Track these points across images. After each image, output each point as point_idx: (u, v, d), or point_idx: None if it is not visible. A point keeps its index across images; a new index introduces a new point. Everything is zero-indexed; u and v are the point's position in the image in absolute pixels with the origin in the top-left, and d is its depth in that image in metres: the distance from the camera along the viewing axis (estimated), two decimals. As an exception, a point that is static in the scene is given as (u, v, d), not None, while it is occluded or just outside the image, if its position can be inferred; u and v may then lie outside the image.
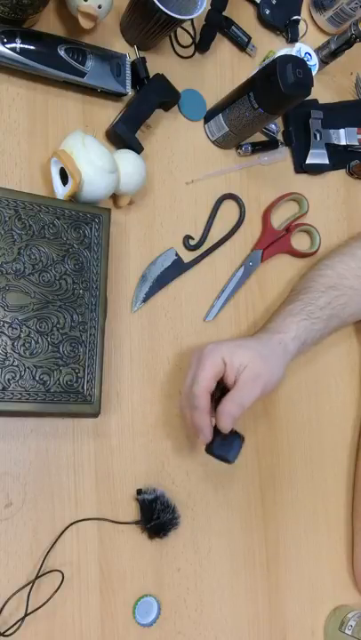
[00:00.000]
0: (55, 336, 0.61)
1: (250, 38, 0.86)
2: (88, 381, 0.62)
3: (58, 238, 0.63)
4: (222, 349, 0.65)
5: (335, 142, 0.90)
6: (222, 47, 0.85)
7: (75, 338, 0.62)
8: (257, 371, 0.64)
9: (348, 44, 0.84)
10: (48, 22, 0.71)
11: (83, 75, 0.69)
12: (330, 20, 0.92)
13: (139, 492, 0.67)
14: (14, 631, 0.58)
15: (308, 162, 0.87)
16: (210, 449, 0.65)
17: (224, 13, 0.81)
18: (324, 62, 0.89)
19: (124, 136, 0.71)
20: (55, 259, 0.63)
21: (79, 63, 0.69)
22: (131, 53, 0.75)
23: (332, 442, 0.83)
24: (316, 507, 0.80)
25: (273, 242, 0.82)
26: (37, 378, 0.60)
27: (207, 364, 0.64)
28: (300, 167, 0.87)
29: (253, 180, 0.84)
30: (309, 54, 0.87)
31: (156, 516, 0.66)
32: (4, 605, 0.59)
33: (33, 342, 0.60)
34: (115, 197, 0.72)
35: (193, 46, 0.82)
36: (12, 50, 0.65)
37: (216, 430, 0.65)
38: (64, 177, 0.66)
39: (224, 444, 0.65)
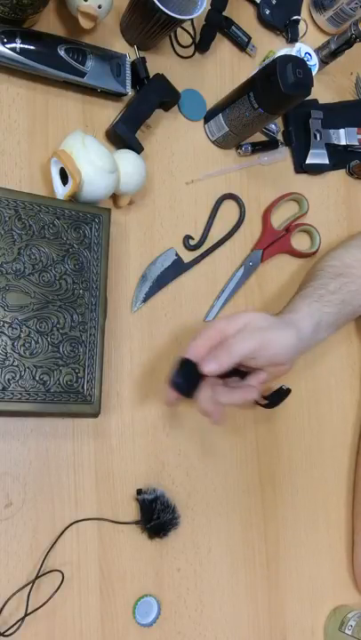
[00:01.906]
0: (55, 336, 0.61)
1: (250, 38, 0.86)
2: (88, 381, 0.62)
3: (58, 238, 0.63)
4: (224, 316, 0.64)
5: (335, 142, 0.90)
6: (222, 47, 0.85)
7: (75, 338, 0.62)
8: (258, 325, 0.63)
9: (348, 43, 0.84)
10: (48, 22, 0.71)
11: (83, 75, 0.69)
12: (330, 20, 0.92)
13: (139, 492, 0.67)
14: (14, 631, 0.58)
15: (308, 162, 0.87)
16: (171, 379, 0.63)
17: (224, 13, 0.81)
18: (324, 62, 0.89)
19: (124, 136, 0.71)
20: (55, 259, 0.63)
21: (79, 63, 0.69)
22: (131, 53, 0.75)
23: (332, 442, 0.83)
24: (316, 506, 0.80)
25: (273, 242, 0.82)
26: (37, 378, 0.60)
27: (200, 334, 0.64)
28: (300, 167, 0.87)
29: (253, 180, 0.84)
30: (309, 54, 0.87)
31: (156, 516, 0.66)
32: (4, 605, 0.59)
33: (33, 342, 0.60)
34: (115, 197, 0.72)
35: (193, 46, 0.82)
36: (12, 50, 0.65)
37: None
38: (64, 177, 0.66)
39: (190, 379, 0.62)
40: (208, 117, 0.80)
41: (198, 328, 0.75)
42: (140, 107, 0.72)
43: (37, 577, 0.61)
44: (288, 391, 0.73)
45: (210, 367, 0.60)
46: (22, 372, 0.59)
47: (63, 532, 0.63)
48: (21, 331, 0.60)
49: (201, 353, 0.62)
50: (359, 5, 0.88)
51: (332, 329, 0.73)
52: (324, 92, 0.92)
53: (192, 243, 0.77)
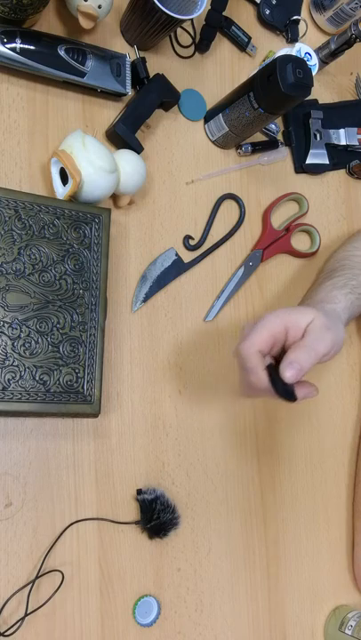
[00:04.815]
0: (55, 336, 0.61)
1: (250, 38, 0.86)
2: (88, 381, 0.62)
3: (58, 238, 0.63)
4: (282, 312, 0.60)
5: (335, 142, 0.90)
6: (222, 47, 0.85)
7: (75, 338, 0.62)
8: (326, 323, 0.59)
9: (348, 43, 0.84)
10: (48, 22, 0.71)
11: (83, 75, 0.69)
12: (330, 20, 0.92)
13: (139, 492, 0.67)
14: (14, 631, 0.58)
15: (308, 162, 0.87)
16: (276, 389, 0.58)
17: (224, 13, 0.81)
18: (324, 62, 0.89)
19: (124, 136, 0.71)
20: (55, 259, 0.63)
21: (79, 63, 0.69)
22: (131, 53, 0.75)
23: (332, 442, 0.83)
24: (316, 507, 0.80)
25: (273, 242, 0.82)
26: (37, 378, 0.60)
27: (263, 324, 0.59)
28: (300, 167, 0.87)
29: (253, 180, 0.84)
30: (309, 54, 0.87)
31: (156, 516, 0.66)
32: (4, 605, 0.59)
33: (33, 342, 0.60)
34: (115, 197, 0.72)
35: (193, 46, 0.82)
36: (12, 50, 0.65)
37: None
38: (64, 177, 0.66)
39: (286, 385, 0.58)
40: (208, 117, 0.80)
41: (198, 328, 0.75)
42: (140, 107, 0.72)
43: (37, 577, 0.61)
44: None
45: (292, 372, 0.56)
46: (22, 372, 0.59)
47: (63, 532, 0.63)
48: (21, 331, 0.60)
49: (266, 345, 0.59)
50: (359, 5, 0.88)
51: (351, 321, 0.71)
52: (324, 92, 0.92)
53: (192, 243, 0.77)
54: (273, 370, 0.58)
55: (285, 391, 0.58)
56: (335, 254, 0.81)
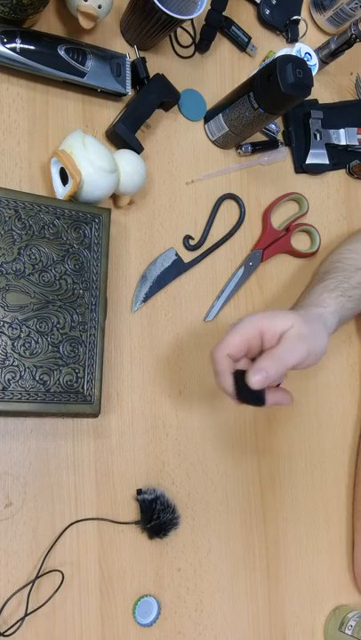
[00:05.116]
0: (55, 336, 0.61)
1: (250, 38, 0.86)
2: (88, 381, 0.62)
3: (58, 238, 0.63)
4: (259, 317, 0.60)
5: (335, 142, 0.90)
6: (222, 47, 0.85)
7: (75, 338, 0.62)
8: (302, 332, 0.59)
9: (348, 43, 0.84)
10: (48, 22, 0.71)
11: (83, 75, 0.69)
12: (330, 20, 0.92)
13: (139, 492, 0.67)
14: (14, 631, 0.58)
15: (308, 162, 0.87)
16: (238, 395, 0.59)
17: (224, 13, 0.81)
18: (324, 62, 0.89)
19: (124, 136, 0.71)
20: (55, 259, 0.63)
21: (79, 63, 0.69)
22: (131, 53, 0.75)
23: (331, 442, 0.83)
24: (317, 507, 0.80)
25: (273, 242, 0.82)
26: (37, 378, 0.60)
27: (237, 329, 0.59)
28: (300, 167, 0.87)
29: (253, 180, 0.84)
30: (309, 54, 0.87)
31: (156, 516, 0.66)
32: (4, 605, 0.59)
33: (33, 342, 0.60)
34: (115, 197, 0.72)
35: (193, 46, 0.82)
36: (12, 50, 0.65)
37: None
38: (64, 177, 0.66)
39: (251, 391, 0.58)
40: (208, 117, 0.80)
41: (198, 328, 0.75)
42: (140, 107, 0.72)
43: (37, 577, 0.61)
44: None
45: (257, 378, 0.56)
46: (22, 372, 0.59)
47: (63, 531, 0.63)
48: (21, 331, 0.60)
49: (237, 349, 0.59)
50: (359, 5, 0.88)
51: (342, 324, 0.71)
52: (324, 92, 0.92)
53: (192, 243, 0.77)
54: (240, 376, 0.59)
55: (252, 396, 0.58)
56: (329, 257, 0.81)
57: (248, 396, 0.59)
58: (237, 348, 0.59)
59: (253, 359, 0.61)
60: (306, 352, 0.58)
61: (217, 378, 0.60)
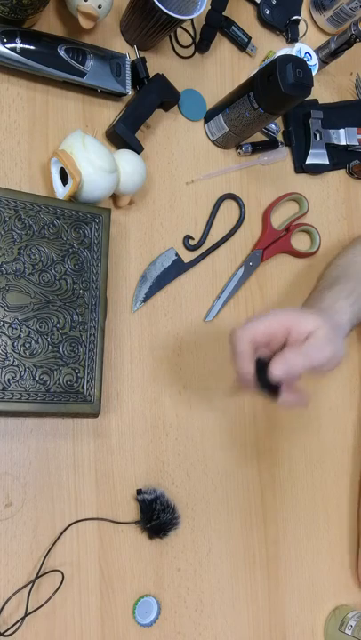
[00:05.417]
0: (55, 336, 0.61)
1: (250, 38, 0.86)
2: (88, 381, 0.62)
3: (58, 238, 0.63)
4: (288, 312, 0.60)
5: (335, 142, 0.90)
6: (222, 47, 0.85)
7: (75, 338, 0.62)
8: (329, 335, 0.59)
9: (348, 43, 0.84)
10: (48, 22, 0.71)
11: (83, 75, 0.69)
12: (330, 20, 0.92)
13: (139, 492, 0.67)
14: (14, 631, 0.58)
15: (308, 162, 0.87)
16: (258, 380, 0.58)
17: (224, 13, 0.81)
18: (324, 62, 0.89)
19: (124, 136, 0.71)
20: (55, 259, 0.63)
21: (79, 63, 0.69)
22: (131, 53, 0.75)
23: (332, 442, 0.83)
24: (316, 506, 0.80)
25: (273, 242, 0.82)
26: (37, 378, 0.60)
27: (264, 318, 0.58)
28: (300, 167, 0.87)
29: (253, 180, 0.84)
30: (309, 54, 0.87)
31: (156, 516, 0.66)
32: (4, 605, 0.59)
33: (33, 342, 0.60)
34: (115, 197, 0.72)
35: (193, 46, 0.82)
36: (12, 50, 0.65)
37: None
38: (64, 177, 0.66)
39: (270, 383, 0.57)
40: (208, 117, 0.80)
41: (198, 328, 0.75)
42: (140, 107, 0.72)
43: (37, 577, 0.61)
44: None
45: (280, 367, 0.56)
46: (22, 372, 0.59)
47: (63, 531, 0.63)
48: (21, 331, 0.60)
49: (261, 336, 0.58)
50: (359, 5, 0.88)
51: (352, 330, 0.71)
52: (324, 92, 0.92)
53: (192, 243, 0.77)
54: (262, 364, 0.58)
55: (269, 386, 0.58)
56: (336, 260, 0.80)
57: (265, 384, 0.58)
58: (261, 335, 0.58)
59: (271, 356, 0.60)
60: (331, 354, 0.58)
61: (235, 359, 0.59)
